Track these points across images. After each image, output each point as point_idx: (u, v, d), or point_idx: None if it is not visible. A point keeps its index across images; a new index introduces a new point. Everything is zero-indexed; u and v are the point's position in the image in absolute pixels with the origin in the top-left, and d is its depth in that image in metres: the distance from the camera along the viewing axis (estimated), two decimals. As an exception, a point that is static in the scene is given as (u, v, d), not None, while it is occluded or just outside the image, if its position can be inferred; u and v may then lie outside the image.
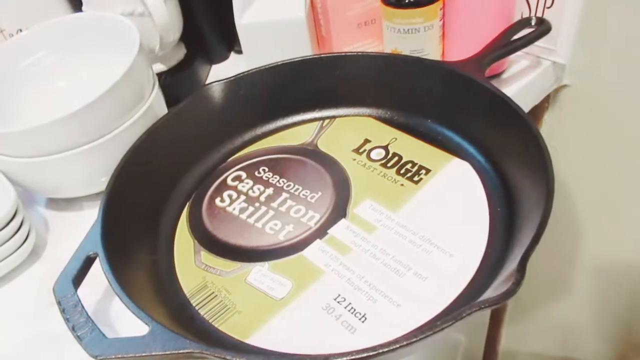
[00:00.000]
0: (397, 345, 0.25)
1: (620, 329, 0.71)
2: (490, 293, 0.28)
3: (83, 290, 0.32)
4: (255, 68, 0.45)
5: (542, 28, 0.44)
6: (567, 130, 0.57)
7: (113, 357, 0.27)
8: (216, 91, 0.45)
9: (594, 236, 0.63)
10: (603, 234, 0.62)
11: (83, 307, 0.29)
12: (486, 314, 0.80)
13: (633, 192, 0.56)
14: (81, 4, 0.49)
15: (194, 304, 0.34)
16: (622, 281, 0.64)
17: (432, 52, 0.47)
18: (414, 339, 0.25)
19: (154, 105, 0.43)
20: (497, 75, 0.49)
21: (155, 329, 0.27)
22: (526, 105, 0.51)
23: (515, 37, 0.44)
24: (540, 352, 0.82)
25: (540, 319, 0.79)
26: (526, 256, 0.27)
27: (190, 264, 0.37)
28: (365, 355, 0.25)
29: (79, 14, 0.48)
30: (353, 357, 0.24)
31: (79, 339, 0.28)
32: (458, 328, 0.76)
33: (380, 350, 0.25)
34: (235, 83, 0.45)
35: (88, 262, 0.32)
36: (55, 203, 0.45)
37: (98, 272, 0.32)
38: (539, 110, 0.57)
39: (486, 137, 0.40)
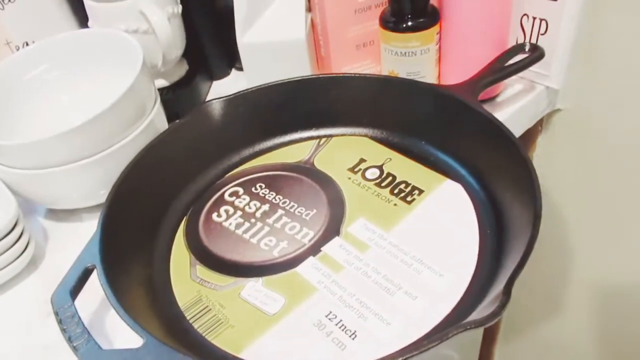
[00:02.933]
0: (384, 364, 0.25)
1: (612, 350, 0.71)
2: (476, 314, 0.29)
3: (79, 300, 0.32)
4: (255, 87, 0.47)
5: (536, 54, 0.45)
6: (560, 153, 0.58)
7: (107, 368, 0.27)
8: (216, 108, 0.46)
9: (586, 258, 0.64)
10: (595, 255, 0.63)
11: (80, 318, 0.30)
12: (479, 333, 0.81)
13: (624, 215, 0.57)
14: (87, 20, 0.50)
15: (188, 317, 0.35)
16: (613, 302, 0.65)
17: (428, 74, 0.48)
18: (399, 358, 0.25)
19: (155, 121, 0.44)
20: (492, 99, 0.50)
21: (149, 341, 0.28)
22: (520, 129, 0.52)
23: (510, 62, 0.45)
24: (533, 371, 0.82)
25: (533, 338, 0.79)
26: (512, 280, 0.28)
27: (186, 277, 0.38)
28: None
29: (84, 30, 0.49)
30: (341, 374, 0.25)
31: (75, 349, 0.28)
32: (450, 346, 0.77)
33: (368, 368, 0.25)
34: (235, 101, 0.46)
35: (86, 274, 0.33)
36: (55, 214, 0.46)
37: (95, 283, 0.33)
38: (532, 133, 0.58)
39: (478, 160, 0.41)
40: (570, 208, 0.61)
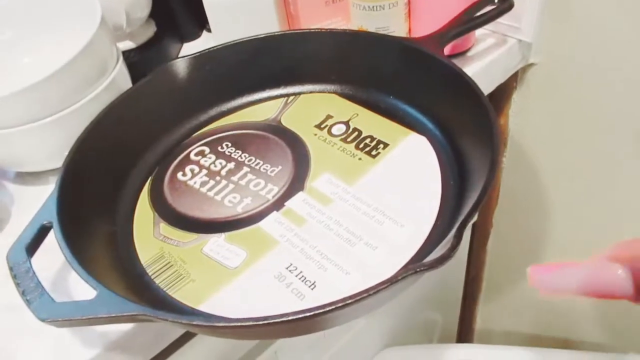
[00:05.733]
0: (332, 307, 0.25)
1: (590, 305, 0.72)
2: (429, 259, 0.29)
3: (42, 262, 0.32)
4: (220, 44, 0.46)
5: (505, 5, 0.44)
6: (536, 110, 0.57)
7: (60, 319, 0.27)
8: (180, 67, 0.45)
9: (562, 215, 0.64)
10: (571, 212, 0.63)
11: (34, 273, 0.30)
12: (458, 292, 0.82)
13: (601, 170, 0.56)
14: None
15: (150, 273, 0.35)
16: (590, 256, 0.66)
17: (397, 29, 0.47)
18: (349, 301, 0.25)
19: (118, 80, 0.43)
20: (463, 53, 0.50)
21: (102, 292, 0.28)
22: (492, 83, 0.52)
23: (478, 14, 0.44)
24: (515, 330, 0.84)
25: (514, 298, 0.80)
26: (464, 223, 0.28)
27: (149, 235, 0.38)
28: (300, 317, 0.25)
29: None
30: (289, 318, 0.25)
31: (27, 302, 0.28)
32: (431, 307, 0.77)
33: (315, 312, 0.25)
34: (200, 59, 0.45)
35: (43, 231, 0.33)
36: (21, 177, 0.45)
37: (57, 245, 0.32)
38: (507, 89, 0.57)
39: (444, 113, 0.41)
40: (547, 165, 0.61)
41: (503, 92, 0.57)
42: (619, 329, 0.70)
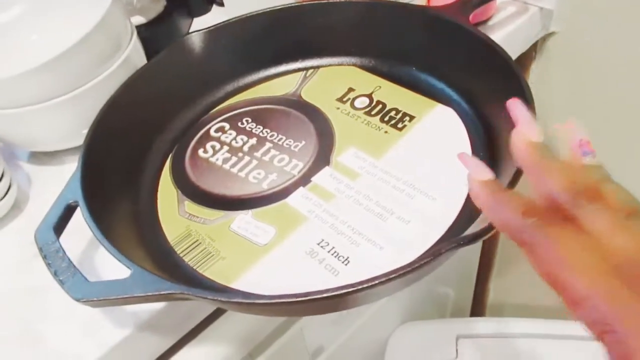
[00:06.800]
0: (376, 282, 0.25)
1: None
2: (469, 232, 0.28)
3: (67, 243, 0.31)
4: (236, 17, 0.44)
5: (529, -29, 0.43)
6: (554, 80, 0.56)
7: (95, 299, 0.27)
8: (196, 41, 0.44)
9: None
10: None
11: (65, 252, 0.29)
12: (473, 268, 0.82)
13: (620, 141, 0.56)
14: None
15: (178, 252, 0.34)
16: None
17: (417, -1, 0.46)
18: (393, 276, 0.25)
19: (132, 56, 0.42)
20: (484, 22, 0.48)
21: (136, 272, 0.27)
22: (513, 53, 0.51)
23: (501, -19, 0.43)
24: (526, 303, 0.84)
25: (527, 271, 0.80)
26: (505, 194, 0.27)
27: (174, 213, 0.37)
28: (344, 292, 0.25)
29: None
30: (332, 294, 0.25)
31: (61, 283, 0.28)
32: (446, 283, 0.77)
33: (360, 287, 0.25)
34: (216, 33, 0.44)
35: (69, 211, 0.32)
36: (37, 157, 0.44)
37: (81, 226, 0.32)
38: (526, 59, 0.56)
39: (470, 83, 0.40)
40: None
41: (521, 62, 0.56)
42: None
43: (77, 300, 0.27)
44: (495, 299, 0.88)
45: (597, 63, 0.52)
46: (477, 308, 0.89)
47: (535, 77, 0.57)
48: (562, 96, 0.57)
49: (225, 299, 0.26)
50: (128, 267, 0.28)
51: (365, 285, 0.25)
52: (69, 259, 0.29)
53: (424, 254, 0.31)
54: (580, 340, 0.56)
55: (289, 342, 0.44)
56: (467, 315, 0.87)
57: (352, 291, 0.25)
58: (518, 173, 0.28)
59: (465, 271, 0.79)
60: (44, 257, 0.29)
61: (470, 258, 0.78)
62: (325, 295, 0.25)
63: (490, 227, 0.26)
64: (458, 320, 0.67)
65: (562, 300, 0.20)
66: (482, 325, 0.65)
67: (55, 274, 0.28)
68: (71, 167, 0.43)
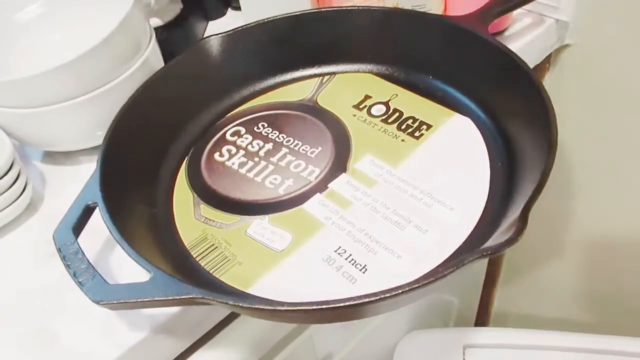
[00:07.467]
0: (400, 291, 0.25)
1: (611, 292, 0.72)
2: (492, 242, 0.28)
3: (83, 244, 0.31)
4: (254, 22, 0.45)
5: (547, -17, 0.43)
6: (568, 92, 0.56)
7: (115, 302, 0.27)
8: (214, 45, 0.44)
9: (591, 200, 0.63)
10: (600, 198, 0.62)
11: (84, 254, 0.29)
12: (480, 276, 0.82)
13: (633, 156, 0.56)
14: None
15: (194, 255, 0.34)
16: (614, 244, 0.65)
17: (434, 6, 0.46)
18: (416, 285, 0.25)
19: (151, 59, 0.42)
20: (500, 33, 0.48)
21: (156, 275, 0.27)
22: (528, 64, 0.51)
23: (520, -8, 0.43)
24: (531, 313, 0.84)
25: (533, 281, 0.80)
26: (528, 206, 0.27)
27: (190, 217, 0.37)
28: (367, 300, 0.25)
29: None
30: (356, 302, 0.25)
31: (80, 285, 0.28)
32: (451, 290, 0.77)
33: (383, 296, 0.25)
34: (234, 37, 0.44)
35: (87, 212, 0.32)
36: (52, 157, 0.44)
37: (97, 227, 0.32)
38: (540, 71, 0.56)
39: (487, 92, 0.40)
40: (578, 150, 0.60)
41: (535, 73, 0.56)
42: (635, 310, 0.70)
43: (97, 302, 0.27)
44: (500, 308, 0.88)
45: (611, 76, 0.52)
46: (482, 317, 0.89)
47: (548, 89, 0.57)
48: (575, 108, 0.57)
49: (247, 304, 0.25)
50: (148, 271, 0.28)
51: (388, 295, 0.24)
52: (87, 261, 0.29)
53: (444, 262, 0.31)
54: (591, 354, 0.56)
55: (299, 349, 0.44)
56: (471, 324, 0.87)
57: (375, 300, 0.25)
58: (541, 184, 0.28)
59: (471, 280, 0.79)
60: (63, 258, 0.29)
61: (477, 267, 0.78)
62: (348, 304, 0.25)
63: (514, 238, 0.26)
64: (465, 329, 0.67)
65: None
66: (489, 335, 0.64)
67: (74, 276, 0.28)
68: (87, 167, 0.43)
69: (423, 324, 0.70)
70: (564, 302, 0.78)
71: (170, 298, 0.26)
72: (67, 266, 0.29)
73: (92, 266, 0.28)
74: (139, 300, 0.27)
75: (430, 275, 0.25)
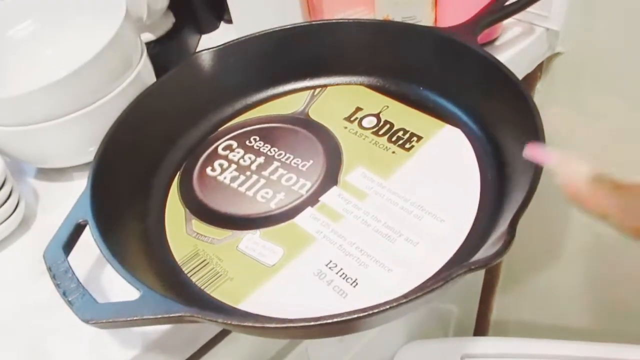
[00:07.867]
0: (387, 307, 0.25)
1: (611, 299, 0.72)
2: (480, 255, 0.28)
3: (74, 260, 0.31)
4: (245, 36, 0.45)
5: (536, -7, 0.43)
6: (559, 100, 0.56)
7: (104, 321, 0.27)
8: (206, 59, 0.44)
9: (585, 206, 0.63)
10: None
11: (74, 273, 0.29)
12: (478, 284, 0.81)
13: (625, 162, 0.56)
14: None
15: (186, 271, 0.34)
16: (611, 251, 0.65)
17: (424, 18, 0.46)
18: (404, 300, 0.25)
19: (143, 74, 0.42)
20: (490, 42, 0.49)
21: (146, 293, 0.27)
22: (519, 73, 0.50)
23: (509, 2, 0.43)
24: (531, 321, 0.83)
25: (531, 288, 0.80)
26: (516, 218, 0.27)
27: (182, 232, 0.37)
28: (355, 317, 0.25)
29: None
30: (344, 318, 0.25)
31: (70, 304, 0.28)
32: (450, 299, 0.77)
33: (371, 312, 0.25)
34: (225, 51, 0.44)
35: (78, 229, 0.32)
36: (45, 174, 0.44)
37: (88, 243, 0.32)
38: (531, 79, 0.56)
39: (478, 104, 0.40)
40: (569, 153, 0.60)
41: (527, 82, 0.56)
42: (636, 317, 0.70)
43: (86, 321, 0.27)
44: (499, 316, 0.88)
45: (602, 83, 0.52)
46: (481, 325, 0.89)
47: (540, 97, 0.57)
48: (567, 116, 0.57)
49: (237, 322, 0.25)
50: (137, 289, 0.28)
51: (376, 310, 0.24)
52: (77, 280, 0.29)
53: (433, 277, 0.31)
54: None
55: (295, 361, 0.44)
56: (470, 332, 0.87)
57: (364, 316, 0.25)
58: (528, 197, 0.28)
59: (469, 288, 0.79)
60: (53, 277, 0.29)
61: (475, 275, 0.77)
62: (336, 320, 0.25)
63: (502, 251, 0.26)
64: (464, 339, 0.67)
65: None
66: (487, 344, 0.64)
67: (64, 295, 0.28)
68: (79, 183, 0.43)
69: (422, 334, 0.69)
70: (564, 309, 0.78)
71: (160, 316, 0.26)
72: (57, 285, 0.29)
73: (82, 285, 0.28)
74: (128, 319, 0.27)
75: (418, 290, 0.25)
